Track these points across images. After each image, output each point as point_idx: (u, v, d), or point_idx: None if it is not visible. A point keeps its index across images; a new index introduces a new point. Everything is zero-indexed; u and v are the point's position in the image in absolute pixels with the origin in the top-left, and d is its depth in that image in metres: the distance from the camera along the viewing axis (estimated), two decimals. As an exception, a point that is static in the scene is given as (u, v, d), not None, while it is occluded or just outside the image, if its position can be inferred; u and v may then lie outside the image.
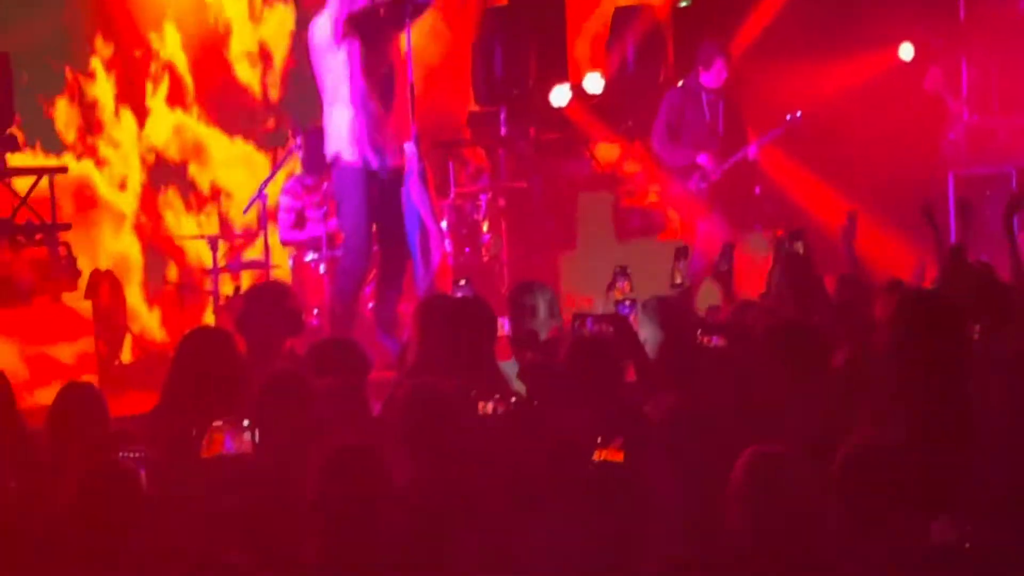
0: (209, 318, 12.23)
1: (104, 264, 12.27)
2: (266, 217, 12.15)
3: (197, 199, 13.65)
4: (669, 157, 11.87)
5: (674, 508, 4.92)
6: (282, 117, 13.61)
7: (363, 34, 10.25)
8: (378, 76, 10.36)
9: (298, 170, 12.21)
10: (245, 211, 12.48)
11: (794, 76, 13.35)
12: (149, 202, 13.35)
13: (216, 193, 13.67)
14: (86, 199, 12.90)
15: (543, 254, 12.87)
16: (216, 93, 13.75)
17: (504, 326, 8.00)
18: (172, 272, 13.26)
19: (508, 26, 13.84)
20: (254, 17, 13.90)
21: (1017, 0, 14.11)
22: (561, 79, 13.96)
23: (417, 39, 10.79)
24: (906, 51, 13.74)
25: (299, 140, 11.97)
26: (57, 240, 11.22)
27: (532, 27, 14.04)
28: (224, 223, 13.52)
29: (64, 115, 12.88)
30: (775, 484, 4.54)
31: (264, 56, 13.98)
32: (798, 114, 11.87)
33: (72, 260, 11.25)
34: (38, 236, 11.12)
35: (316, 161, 11.18)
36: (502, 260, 12.70)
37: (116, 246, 13.11)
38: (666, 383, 6.53)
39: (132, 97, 13.22)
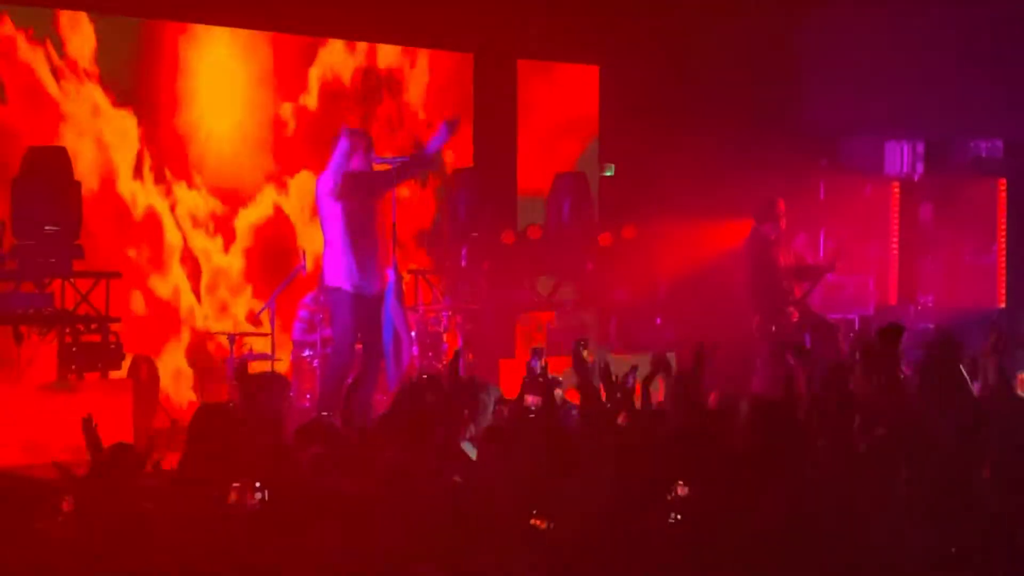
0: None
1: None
2: (274, 319, 12.66)
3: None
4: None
5: None
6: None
7: (357, 191, 10.67)
8: (369, 221, 10.74)
9: (313, 287, 12.68)
10: (258, 315, 13.01)
11: (674, 231, 14.16)
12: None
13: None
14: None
15: (489, 360, 13.12)
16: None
17: None
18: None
19: (471, 183, 14.20)
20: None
21: (863, 184, 15.19)
22: (511, 225, 14.39)
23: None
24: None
25: (303, 262, 12.59)
26: (108, 330, 11.71)
27: (490, 184, 14.56)
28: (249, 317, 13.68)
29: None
30: None
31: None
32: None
33: (119, 346, 11.74)
34: (93, 326, 11.64)
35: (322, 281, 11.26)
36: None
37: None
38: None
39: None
